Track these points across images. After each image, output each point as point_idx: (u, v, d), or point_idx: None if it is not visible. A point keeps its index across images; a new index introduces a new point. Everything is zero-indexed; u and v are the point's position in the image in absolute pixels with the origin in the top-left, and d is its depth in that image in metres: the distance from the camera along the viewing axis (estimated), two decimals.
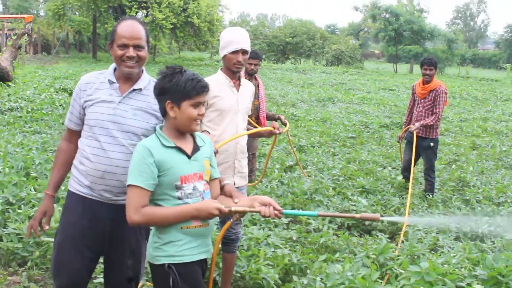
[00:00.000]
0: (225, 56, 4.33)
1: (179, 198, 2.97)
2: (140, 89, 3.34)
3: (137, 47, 3.26)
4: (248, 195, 5.22)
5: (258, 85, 7.65)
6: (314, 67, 43.07)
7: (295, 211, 3.53)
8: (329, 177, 8.55)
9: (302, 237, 5.99)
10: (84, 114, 3.35)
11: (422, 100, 8.08)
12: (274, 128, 4.73)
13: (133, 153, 2.98)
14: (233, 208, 3.05)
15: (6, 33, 30.74)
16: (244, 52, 4.32)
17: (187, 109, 2.97)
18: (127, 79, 3.34)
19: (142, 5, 36.27)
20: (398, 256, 5.11)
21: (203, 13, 37.31)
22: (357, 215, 3.17)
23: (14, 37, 19.30)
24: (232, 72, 4.37)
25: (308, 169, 9.17)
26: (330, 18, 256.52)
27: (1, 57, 17.41)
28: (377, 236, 6.18)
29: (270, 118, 8.00)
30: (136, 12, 36.46)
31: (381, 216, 3.28)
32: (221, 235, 3.30)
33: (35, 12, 60.27)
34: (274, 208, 3.12)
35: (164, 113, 3.03)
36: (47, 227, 3.47)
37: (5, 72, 15.85)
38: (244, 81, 4.58)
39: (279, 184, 8.13)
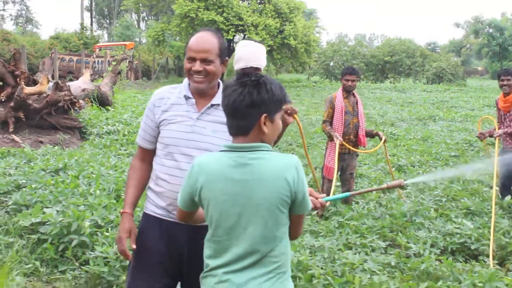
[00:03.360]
0: (236, 71, 4.20)
1: None
2: (218, 104, 3.09)
3: (204, 61, 3.05)
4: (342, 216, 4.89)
5: (356, 102, 7.40)
6: (414, 85, 41.88)
7: (332, 197, 3.35)
8: (431, 198, 8.02)
9: (402, 263, 5.55)
10: (159, 132, 3.18)
11: (508, 114, 7.50)
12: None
13: (302, 172, 2.53)
14: None
15: (108, 60, 31.84)
16: (255, 69, 4.14)
17: (278, 121, 2.58)
18: (203, 94, 3.15)
19: (239, 28, 36.68)
20: (507, 284, 4.63)
21: (300, 34, 37.27)
22: (383, 186, 3.29)
23: (114, 63, 19.84)
24: None
25: (407, 190, 8.69)
26: (430, 36, 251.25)
27: (102, 82, 17.92)
28: (484, 262, 5.68)
29: (369, 135, 7.69)
30: (234, 36, 36.94)
31: (405, 180, 3.31)
32: None
33: (138, 39, 62.43)
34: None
35: (250, 129, 2.53)
36: (134, 246, 3.19)
37: (105, 96, 16.26)
38: None
39: (377, 206, 7.70)
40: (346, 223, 6.64)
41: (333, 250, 5.67)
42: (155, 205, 3.17)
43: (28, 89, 11.71)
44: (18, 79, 12.13)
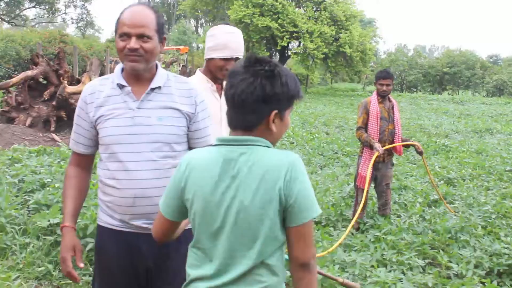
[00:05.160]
0: (212, 59, 3.59)
1: None
2: (159, 87, 2.72)
3: (141, 36, 2.61)
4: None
5: (392, 107, 6.91)
6: (473, 98, 40.77)
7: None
8: (479, 214, 7.40)
9: (440, 284, 5.06)
10: (97, 133, 2.74)
11: None
12: None
13: (304, 175, 2.08)
14: None
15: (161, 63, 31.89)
16: (236, 59, 3.60)
17: (287, 119, 2.18)
18: (139, 79, 2.72)
19: (294, 35, 36.37)
20: None
21: (356, 42, 36.68)
22: (340, 279, 2.85)
23: (163, 66, 19.79)
24: (216, 77, 3.65)
25: (455, 204, 8.11)
26: (492, 49, 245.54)
27: None
28: None
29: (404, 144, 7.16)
30: (288, 42, 36.67)
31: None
32: None
33: (195, 45, 62.72)
34: None
35: (256, 125, 2.11)
36: (82, 264, 2.73)
37: None
38: None
39: (420, 220, 7.18)
40: (383, 238, 6.17)
41: (365, 267, 5.22)
42: (109, 215, 2.76)
43: (70, 88, 11.67)
44: (61, 78, 12.10)
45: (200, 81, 3.62)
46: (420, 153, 7.04)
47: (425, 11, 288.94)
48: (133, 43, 2.59)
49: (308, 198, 2.05)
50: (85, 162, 2.87)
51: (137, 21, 2.61)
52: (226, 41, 3.55)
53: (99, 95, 2.72)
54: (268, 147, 2.12)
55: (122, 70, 2.75)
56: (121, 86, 2.70)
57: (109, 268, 2.75)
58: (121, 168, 2.65)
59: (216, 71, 3.60)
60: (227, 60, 3.55)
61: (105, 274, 2.78)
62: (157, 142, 2.64)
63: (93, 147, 2.81)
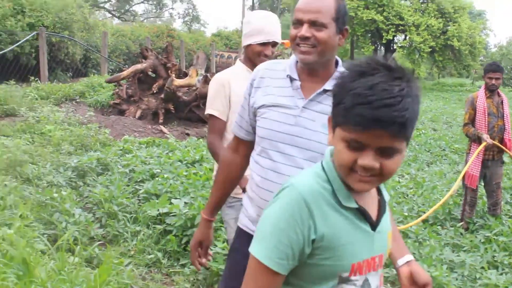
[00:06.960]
0: (250, 45, 3.45)
1: None
2: None
3: (314, 24, 2.30)
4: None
5: (502, 102, 6.61)
6: None
7: None
8: None
9: None
10: (255, 120, 2.51)
11: None
12: None
13: (276, 207, 1.60)
14: None
15: None
16: (274, 44, 3.46)
17: (338, 141, 1.58)
18: (312, 75, 2.39)
19: (399, 28, 35.58)
20: None
21: (464, 35, 35.42)
22: None
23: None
24: (256, 65, 3.06)
25: None
26: None
27: None
28: None
29: None
30: (394, 36, 35.93)
31: None
32: None
33: None
34: None
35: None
36: (204, 260, 2.70)
37: None
38: None
39: None
40: (494, 239, 5.94)
41: (475, 268, 5.05)
42: (248, 216, 2.56)
43: (178, 81, 11.93)
44: (169, 72, 12.41)
45: (240, 71, 3.55)
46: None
47: None
48: (304, 30, 2.31)
49: (258, 229, 1.65)
50: (243, 149, 2.65)
51: (311, 6, 2.32)
52: (262, 25, 3.45)
53: (269, 82, 2.47)
54: (323, 167, 1.69)
55: (297, 61, 2.45)
56: (291, 79, 2.41)
57: (240, 267, 2.56)
58: (273, 168, 2.40)
59: (254, 57, 3.45)
60: (264, 44, 3.43)
61: (234, 281, 2.48)
62: (313, 151, 2.32)
63: (253, 134, 2.56)
